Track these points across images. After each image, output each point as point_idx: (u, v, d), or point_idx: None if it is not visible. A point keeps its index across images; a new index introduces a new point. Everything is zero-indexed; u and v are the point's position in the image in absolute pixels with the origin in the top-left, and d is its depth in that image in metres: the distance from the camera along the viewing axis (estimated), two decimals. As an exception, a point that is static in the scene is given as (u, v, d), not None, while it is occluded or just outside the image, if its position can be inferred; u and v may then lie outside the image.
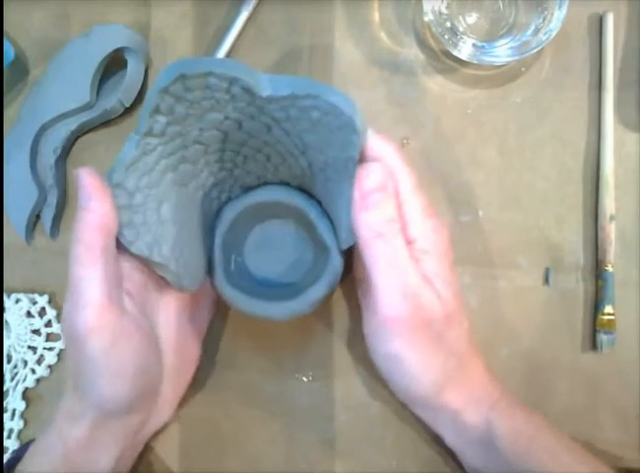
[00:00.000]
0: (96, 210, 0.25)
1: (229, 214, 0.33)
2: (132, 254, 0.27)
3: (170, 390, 0.32)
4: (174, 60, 0.36)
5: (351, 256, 0.33)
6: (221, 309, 0.35)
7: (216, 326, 0.35)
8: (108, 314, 0.26)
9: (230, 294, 0.31)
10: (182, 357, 0.32)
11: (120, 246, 0.27)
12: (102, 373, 0.27)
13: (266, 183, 0.33)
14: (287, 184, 0.33)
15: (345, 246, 0.31)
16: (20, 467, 0.29)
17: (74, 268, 0.26)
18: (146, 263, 0.28)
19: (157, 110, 0.25)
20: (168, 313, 0.31)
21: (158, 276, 0.29)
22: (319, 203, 0.33)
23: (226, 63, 0.25)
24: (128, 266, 0.28)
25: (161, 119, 0.26)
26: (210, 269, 0.32)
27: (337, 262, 0.32)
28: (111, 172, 0.26)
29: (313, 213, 0.32)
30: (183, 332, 0.32)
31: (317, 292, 0.31)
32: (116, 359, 0.27)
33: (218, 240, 0.32)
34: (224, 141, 0.29)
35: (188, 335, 0.33)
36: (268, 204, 0.33)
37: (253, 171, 0.32)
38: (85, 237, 0.25)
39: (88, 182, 0.25)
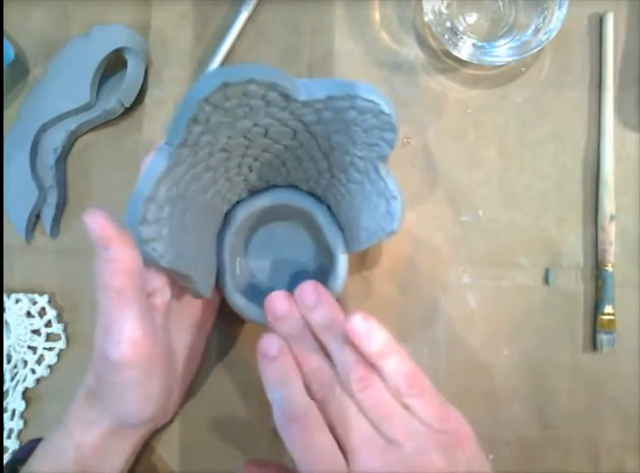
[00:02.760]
0: (119, 258, 0.24)
1: (238, 217, 0.33)
2: (160, 268, 0.27)
3: (175, 395, 0.32)
4: (175, 60, 0.37)
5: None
6: (223, 310, 0.35)
7: (217, 326, 0.35)
8: (143, 347, 0.26)
9: (238, 300, 0.32)
10: (189, 362, 0.33)
11: (149, 262, 0.26)
12: (132, 399, 0.27)
13: (274, 186, 0.33)
14: (295, 187, 0.33)
15: (361, 248, 0.31)
16: (27, 468, 0.29)
17: (106, 310, 0.25)
18: (170, 275, 0.28)
19: (194, 121, 0.24)
20: (181, 321, 0.32)
21: (177, 285, 0.29)
22: (328, 208, 0.33)
23: (266, 69, 0.24)
24: (157, 282, 0.28)
25: (197, 129, 0.25)
26: (217, 272, 0.32)
27: (342, 268, 0.32)
28: (142, 184, 0.25)
29: (321, 217, 0.32)
30: (192, 338, 0.32)
31: None
32: (147, 387, 0.27)
33: (226, 244, 0.32)
34: (247, 147, 0.28)
35: (195, 340, 0.33)
36: (277, 207, 0.33)
37: (265, 176, 0.32)
38: (115, 285, 0.25)
39: (101, 232, 0.24)
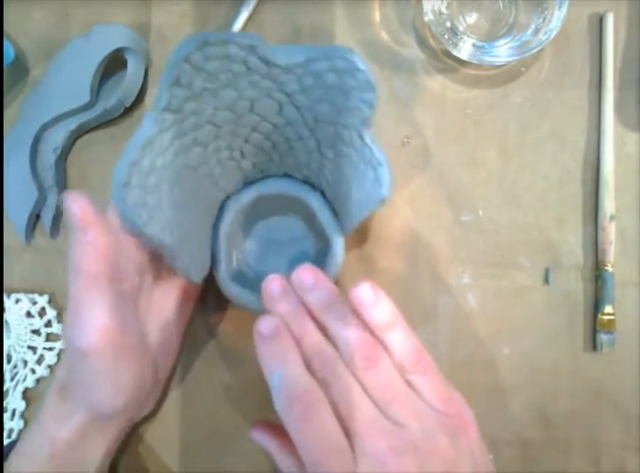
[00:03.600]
0: (97, 243, 0.24)
1: (233, 207, 0.33)
2: (143, 239, 0.26)
3: (153, 386, 0.32)
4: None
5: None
6: (222, 307, 0.35)
7: (216, 325, 0.35)
8: (112, 336, 0.25)
9: (234, 290, 0.32)
10: (165, 353, 0.32)
11: (133, 228, 0.26)
12: (102, 387, 0.27)
13: (269, 177, 0.34)
14: (289, 177, 0.33)
15: (354, 223, 0.31)
16: (6, 468, 0.28)
17: (77, 295, 0.25)
18: (156, 251, 0.28)
19: (176, 82, 0.25)
20: (157, 311, 0.31)
21: (153, 270, 0.29)
22: (322, 194, 0.33)
23: (246, 34, 0.26)
24: (128, 268, 0.28)
25: (180, 93, 0.26)
26: (213, 263, 0.32)
27: (338, 253, 0.32)
28: (128, 150, 0.25)
29: (315, 203, 0.33)
30: (168, 328, 0.32)
31: None
32: (117, 376, 0.27)
33: (222, 234, 0.33)
34: (235, 123, 0.29)
35: (172, 331, 0.32)
36: (270, 196, 0.33)
37: (258, 164, 0.32)
38: (90, 270, 0.25)
39: (81, 214, 0.24)
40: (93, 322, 0.25)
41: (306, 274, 0.27)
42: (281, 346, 0.26)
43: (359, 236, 0.35)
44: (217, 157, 0.30)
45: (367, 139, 0.29)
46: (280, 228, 0.34)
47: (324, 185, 0.33)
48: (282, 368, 0.25)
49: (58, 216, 0.37)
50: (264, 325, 0.26)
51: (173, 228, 0.28)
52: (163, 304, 0.31)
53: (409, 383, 0.25)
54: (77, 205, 0.24)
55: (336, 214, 0.33)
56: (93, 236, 0.24)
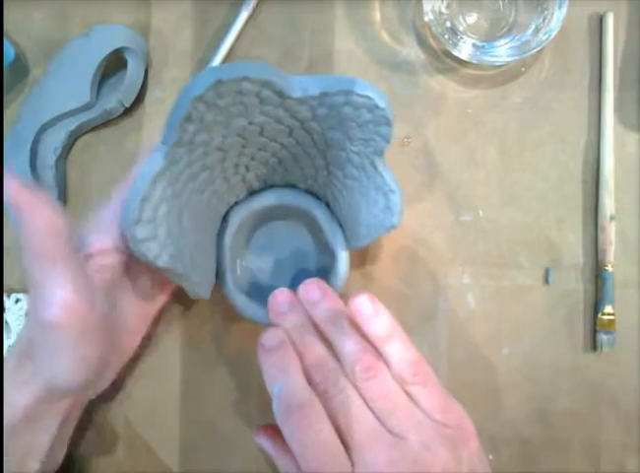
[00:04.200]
0: (36, 216, 0.24)
1: (237, 218, 0.33)
2: (155, 269, 0.26)
3: (114, 363, 0.31)
4: (175, 60, 0.37)
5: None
6: (222, 310, 0.35)
7: (216, 326, 0.35)
8: (77, 310, 0.25)
9: (239, 300, 0.32)
10: (131, 334, 0.32)
11: (145, 262, 0.26)
12: (63, 362, 0.26)
13: (271, 186, 0.33)
14: (293, 187, 0.33)
15: (362, 244, 0.31)
16: None
17: (33, 272, 0.24)
18: (167, 274, 0.28)
19: (188, 119, 0.24)
20: (127, 291, 0.30)
21: (125, 254, 0.28)
22: (327, 205, 0.33)
23: (259, 66, 0.24)
24: (99, 245, 0.27)
25: (191, 128, 0.25)
26: (218, 274, 0.32)
27: (343, 265, 0.32)
28: (138, 185, 0.25)
29: (320, 215, 0.32)
30: (138, 310, 0.31)
31: None
32: (81, 350, 0.26)
33: (226, 245, 0.32)
34: (243, 146, 0.28)
35: (142, 313, 0.32)
36: (276, 207, 0.33)
37: (262, 176, 0.32)
38: (35, 246, 0.24)
39: (14, 195, 0.23)
40: (55, 297, 0.24)
41: (313, 289, 0.28)
42: (283, 358, 0.26)
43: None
44: (223, 176, 0.30)
45: (380, 167, 0.29)
46: (283, 236, 0.34)
47: (330, 199, 0.32)
48: (282, 379, 0.26)
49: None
50: (268, 338, 0.27)
51: (183, 253, 0.28)
52: (135, 285, 0.31)
53: (408, 395, 0.26)
54: (7, 189, 0.23)
55: (340, 225, 0.33)
56: (28, 213, 0.24)
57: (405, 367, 0.26)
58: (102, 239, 0.27)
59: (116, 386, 0.34)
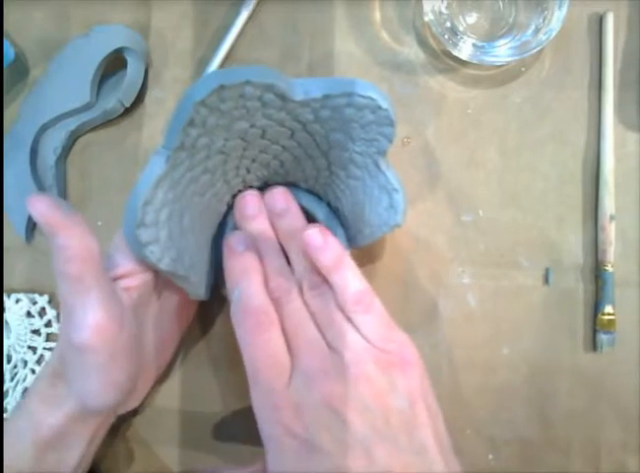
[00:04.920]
0: (70, 245, 0.24)
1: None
2: (159, 269, 0.27)
3: (143, 382, 0.32)
4: (175, 60, 0.37)
5: None
6: (222, 309, 0.35)
7: (216, 326, 0.35)
8: (107, 333, 0.25)
9: None
10: (159, 353, 0.32)
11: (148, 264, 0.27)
12: (95, 383, 0.26)
13: (272, 185, 0.33)
14: (294, 186, 0.33)
15: (365, 243, 0.31)
16: None
17: (67, 297, 0.25)
18: (169, 276, 0.28)
19: (191, 123, 0.24)
20: (156, 310, 0.31)
21: (154, 274, 0.29)
22: (328, 205, 0.33)
23: (261, 70, 0.24)
24: (126, 267, 0.28)
25: (193, 132, 0.25)
26: (217, 275, 0.32)
27: None
28: (140, 189, 0.25)
29: (321, 214, 0.32)
30: (166, 329, 0.32)
31: None
32: (111, 371, 0.26)
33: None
34: (245, 149, 0.28)
35: (169, 332, 0.32)
36: None
37: (263, 177, 0.32)
38: (69, 271, 0.24)
39: (45, 220, 0.23)
40: (86, 320, 0.25)
41: (279, 198, 0.30)
42: (246, 263, 0.28)
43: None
44: (224, 178, 0.30)
45: (383, 166, 0.29)
46: None
47: (331, 198, 0.32)
48: (243, 282, 0.28)
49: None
50: (235, 241, 0.29)
51: (184, 255, 0.28)
52: (164, 304, 0.31)
53: (350, 321, 0.26)
54: (38, 210, 0.23)
55: (341, 224, 0.33)
56: (63, 240, 0.24)
57: (349, 295, 0.27)
58: (129, 259, 0.28)
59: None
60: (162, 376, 0.35)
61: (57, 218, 0.23)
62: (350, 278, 0.27)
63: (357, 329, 0.26)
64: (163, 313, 0.31)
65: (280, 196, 0.30)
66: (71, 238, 0.24)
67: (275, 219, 0.30)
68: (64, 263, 0.24)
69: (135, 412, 0.34)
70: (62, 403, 0.27)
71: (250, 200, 0.30)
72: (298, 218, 0.30)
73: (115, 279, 0.28)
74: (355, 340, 0.26)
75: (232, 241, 0.29)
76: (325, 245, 0.27)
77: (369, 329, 0.26)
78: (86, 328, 0.25)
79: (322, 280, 0.27)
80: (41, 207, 0.23)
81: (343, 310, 0.27)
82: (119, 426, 0.34)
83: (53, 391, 0.28)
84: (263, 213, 0.30)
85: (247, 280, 0.28)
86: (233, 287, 0.28)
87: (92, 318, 0.25)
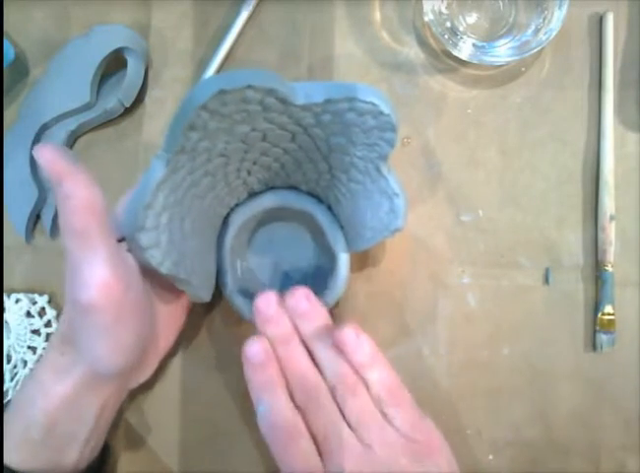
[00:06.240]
0: (75, 194, 0.23)
1: (237, 220, 0.33)
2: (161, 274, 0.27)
3: (153, 352, 0.32)
4: (175, 60, 0.37)
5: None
6: (222, 311, 0.35)
7: (216, 326, 0.35)
8: (114, 291, 0.25)
9: (238, 301, 0.32)
10: (169, 323, 0.32)
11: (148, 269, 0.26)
12: (103, 344, 0.26)
13: (272, 188, 0.33)
14: (294, 188, 0.33)
15: (366, 246, 0.31)
16: None
17: (72, 252, 0.24)
18: (170, 279, 0.28)
19: (192, 127, 0.24)
20: (163, 278, 0.30)
21: None
22: (329, 208, 0.33)
23: (263, 74, 0.24)
24: None
25: (194, 136, 0.25)
26: (218, 274, 0.32)
27: (344, 268, 0.32)
28: (141, 193, 0.25)
29: (322, 217, 0.32)
30: (173, 300, 0.32)
31: (324, 301, 0.31)
32: (118, 333, 0.26)
33: (227, 247, 0.32)
34: (246, 152, 0.28)
35: (176, 303, 0.32)
36: (277, 208, 0.33)
37: (263, 179, 0.32)
38: (75, 224, 0.24)
39: (51, 167, 0.23)
40: (92, 278, 0.24)
41: (301, 299, 0.28)
42: (267, 375, 0.27)
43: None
44: (225, 181, 0.30)
45: (384, 171, 0.29)
46: (284, 238, 0.34)
47: (332, 201, 0.32)
48: (267, 397, 0.27)
49: (58, 216, 0.37)
50: (253, 351, 0.28)
51: (185, 258, 0.28)
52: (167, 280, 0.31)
53: (383, 415, 0.27)
54: (45, 157, 0.23)
55: (342, 227, 0.33)
56: (68, 189, 0.23)
57: (383, 389, 0.27)
58: None
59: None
60: (160, 376, 0.35)
61: (63, 165, 0.23)
62: (383, 373, 0.28)
63: (390, 422, 0.27)
64: (167, 288, 0.31)
65: (300, 296, 0.29)
66: (76, 186, 0.23)
67: (298, 320, 0.28)
68: (70, 215, 0.24)
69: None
70: (71, 370, 0.27)
71: (267, 301, 0.29)
72: (324, 317, 0.29)
73: (121, 241, 0.27)
74: (389, 435, 0.27)
75: (251, 352, 0.28)
76: (360, 343, 0.27)
77: (401, 421, 0.27)
78: (92, 286, 0.24)
79: (356, 380, 0.27)
80: (48, 154, 0.23)
81: (377, 404, 0.27)
82: (119, 425, 0.34)
83: (62, 359, 0.28)
84: (283, 314, 0.28)
85: (271, 395, 0.27)
86: (257, 400, 0.28)
87: (98, 276, 0.24)
